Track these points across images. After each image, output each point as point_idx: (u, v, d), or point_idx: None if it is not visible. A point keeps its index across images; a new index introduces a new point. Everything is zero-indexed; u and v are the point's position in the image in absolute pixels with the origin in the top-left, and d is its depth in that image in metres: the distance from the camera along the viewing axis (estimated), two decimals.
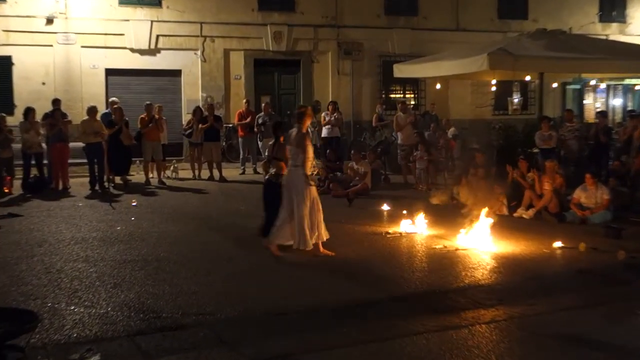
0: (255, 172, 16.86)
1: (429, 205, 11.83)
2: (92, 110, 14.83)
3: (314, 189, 8.20)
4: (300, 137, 8.07)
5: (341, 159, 15.48)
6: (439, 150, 16.07)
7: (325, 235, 8.28)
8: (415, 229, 9.62)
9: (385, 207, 11.64)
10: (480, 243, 8.60)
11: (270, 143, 9.21)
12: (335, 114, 17.41)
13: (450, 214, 10.39)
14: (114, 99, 16.65)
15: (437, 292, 6.67)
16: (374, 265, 7.78)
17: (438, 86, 16.84)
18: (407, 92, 23.21)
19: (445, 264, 7.82)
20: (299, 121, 8.24)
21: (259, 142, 17.23)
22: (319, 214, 8.22)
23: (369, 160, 14.57)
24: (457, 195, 11.78)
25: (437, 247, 8.73)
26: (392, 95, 22.90)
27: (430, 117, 18.66)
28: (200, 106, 17.73)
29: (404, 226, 9.73)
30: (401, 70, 16.09)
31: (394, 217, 10.56)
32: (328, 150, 15.71)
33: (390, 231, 9.69)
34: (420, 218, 9.71)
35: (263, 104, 17.72)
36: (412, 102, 22.46)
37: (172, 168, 16.59)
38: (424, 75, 17.42)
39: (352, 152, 14.62)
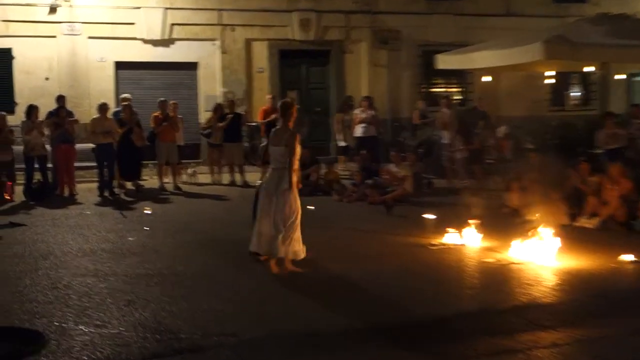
0: None
1: (477, 213, 11.72)
2: (103, 108, 14.98)
3: (297, 196, 8.09)
4: (290, 136, 7.97)
5: (378, 161, 15.45)
6: (487, 150, 15.98)
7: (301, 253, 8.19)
8: (463, 240, 9.57)
9: (429, 215, 11.60)
10: (538, 256, 8.51)
11: (263, 145, 9.12)
12: (370, 111, 17.38)
13: (501, 224, 10.31)
14: (125, 95, 16.82)
15: (489, 311, 6.61)
16: (416, 280, 7.74)
17: (486, 79, 16.73)
18: (451, 86, 23.11)
19: (498, 279, 7.75)
20: (284, 115, 8.09)
21: None
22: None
23: (410, 162, 14.52)
24: (508, 201, 11.66)
25: (488, 260, 8.67)
26: (434, 90, 22.81)
27: (478, 114, 18.51)
28: (220, 102, 17.84)
29: (450, 237, 9.68)
30: (444, 61, 16.02)
31: (439, 227, 10.50)
32: (363, 152, 15.70)
33: (434, 242, 9.65)
34: (469, 228, 9.65)
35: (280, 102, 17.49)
36: (457, 97, 22.34)
37: (189, 172, 16.72)
38: (470, 67, 17.31)
39: (391, 153, 14.59)
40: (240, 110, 18.51)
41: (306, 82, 22.08)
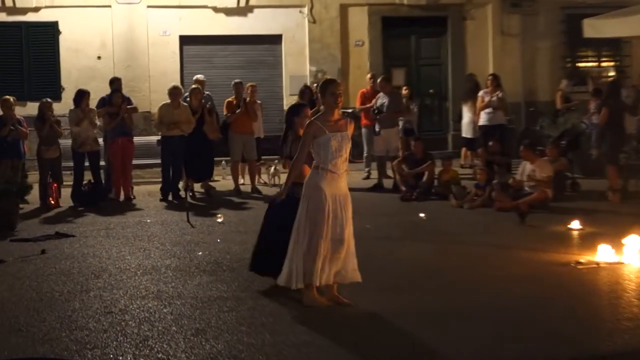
0: (385, 175, 16.87)
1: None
2: (175, 92, 15.20)
3: (327, 207, 7.84)
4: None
5: (507, 156, 15.24)
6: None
7: (357, 277, 7.98)
8: (621, 257, 9.34)
9: (575, 225, 11.38)
10: None
11: (291, 139, 8.78)
12: (497, 93, 17.16)
13: None
14: (199, 76, 17.07)
15: None
16: (559, 309, 7.60)
17: None
18: (603, 60, 22.57)
19: None
20: (321, 97, 7.88)
21: (374, 134, 16.94)
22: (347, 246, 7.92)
23: (550, 157, 14.24)
24: None
25: None
26: (582, 64, 22.32)
27: (638, 94, 18.02)
28: (309, 84, 17.95)
29: (604, 253, 9.45)
30: (594, 28, 15.67)
31: (588, 241, 10.29)
32: (490, 143, 15.50)
33: (582, 260, 9.44)
34: (630, 242, 9.42)
35: (378, 80, 17.17)
36: (610, 74, 21.82)
37: (270, 171, 16.90)
38: (629, 34, 16.89)
39: (523, 146, 14.34)
40: None
41: (416, 58, 22.01)
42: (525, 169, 13.78)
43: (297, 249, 7.64)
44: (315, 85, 17.90)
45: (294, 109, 8.77)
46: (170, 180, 15.19)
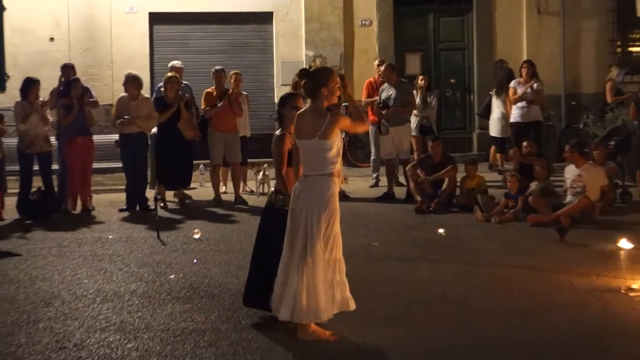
0: (397, 183, 16.88)
1: None
2: (133, 81, 15.23)
3: (337, 220, 7.85)
4: (331, 120, 7.81)
5: (544, 158, 15.25)
6: None
7: (350, 303, 8.02)
8: None
9: (625, 243, 11.39)
10: None
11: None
12: (533, 83, 17.21)
13: None
14: (175, 62, 17.10)
15: None
16: (608, 346, 7.60)
17: None
18: None
19: None
20: (315, 89, 7.85)
21: (379, 133, 16.88)
22: (342, 267, 7.95)
23: (597, 160, 14.25)
24: None
25: None
26: (636, 49, 22.37)
27: None
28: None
29: None
30: None
31: None
32: (524, 143, 15.48)
33: (634, 286, 9.46)
34: None
35: (383, 67, 17.06)
36: None
37: (258, 176, 16.89)
38: None
39: (570, 147, 14.34)
40: None
41: (434, 41, 22.05)
42: (571, 171, 13.77)
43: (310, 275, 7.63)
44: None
45: (283, 100, 8.84)
46: (137, 188, 15.19)
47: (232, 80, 16.30)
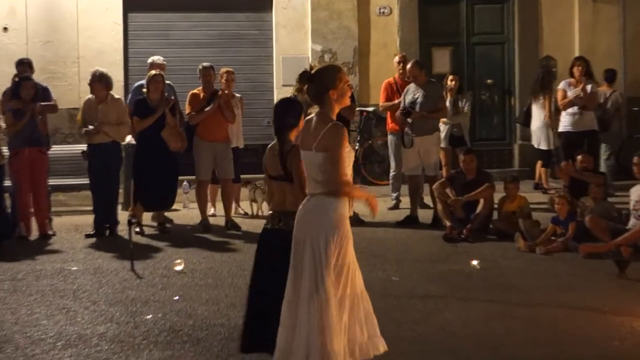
0: (422, 204, 16.88)
1: None
2: (100, 80, 15.22)
3: (350, 247, 7.85)
4: (334, 132, 7.81)
5: (602, 175, 15.26)
6: None
7: (380, 346, 8.00)
8: None
9: None
10: None
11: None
12: (587, 85, 17.20)
13: None
14: (155, 58, 17.13)
15: None
16: None
17: None
18: None
19: None
20: (320, 94, 7.91)
21: (401, 145, 16.78)
22: (364, 303, 7.93)
23: None
24: None
25: None
26: None
27: None
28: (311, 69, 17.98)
29: None
30: None
31: None
32: (579, 156, 15.48)
33: None
34: None
35: (409, 64, 16.88)
36: None
37: (253, 196, 16.94)
38: None
39: (635, 159, 14.32)
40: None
41: (467, 33, 22.10)
42: (636, 194, 13.74)
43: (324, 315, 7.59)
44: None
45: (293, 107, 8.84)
46: (107, 209, 15.21)
47: (223, 80, 16.39)
